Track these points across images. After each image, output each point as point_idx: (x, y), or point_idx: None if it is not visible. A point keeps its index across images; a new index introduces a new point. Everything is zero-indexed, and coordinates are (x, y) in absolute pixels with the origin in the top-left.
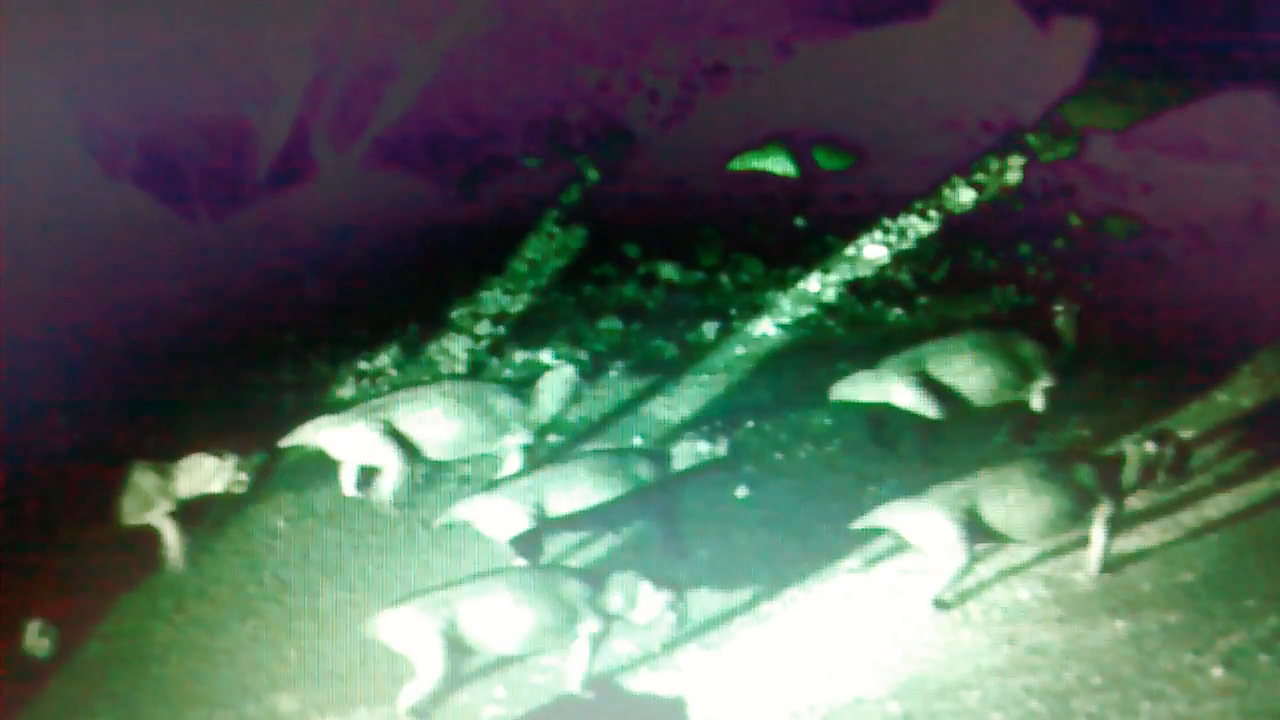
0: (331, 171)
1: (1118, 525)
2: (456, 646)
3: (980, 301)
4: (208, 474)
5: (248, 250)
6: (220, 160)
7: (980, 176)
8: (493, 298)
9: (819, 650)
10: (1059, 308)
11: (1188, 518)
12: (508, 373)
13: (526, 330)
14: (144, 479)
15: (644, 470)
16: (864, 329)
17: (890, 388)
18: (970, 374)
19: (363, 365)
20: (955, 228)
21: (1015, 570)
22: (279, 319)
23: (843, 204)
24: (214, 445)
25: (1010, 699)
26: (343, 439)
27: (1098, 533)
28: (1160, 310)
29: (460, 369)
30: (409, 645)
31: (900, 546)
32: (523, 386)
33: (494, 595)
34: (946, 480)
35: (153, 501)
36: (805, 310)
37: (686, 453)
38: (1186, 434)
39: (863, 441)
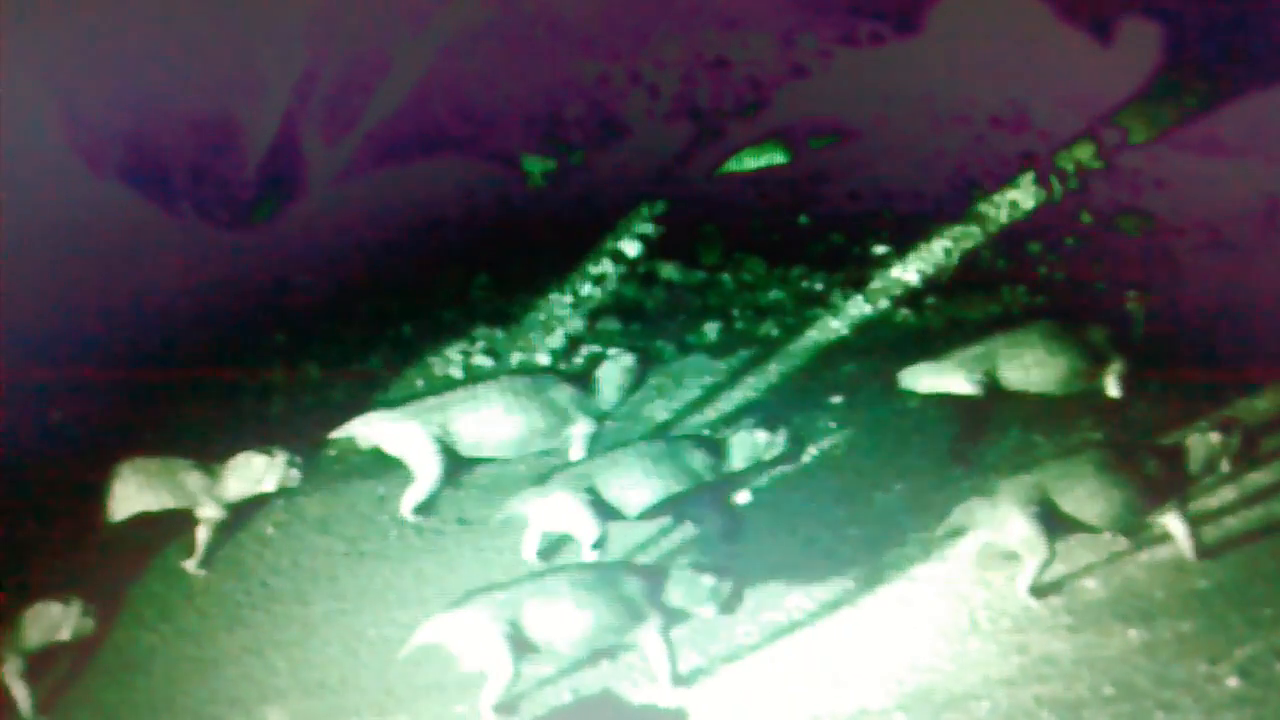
0: (322, 169)
1: (1185, 514)
2: (521, 646)
3: (990, 301)
4: (259, 473)
5: (236, 248)
6: (207, 156)
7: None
8: (487, 298)
9: (824, 659)
10: (1131, 293)
11: (1202, 524)
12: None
13: (522, 331)
14: (189, 478)
15: (698, 460)
16: (870, 330)
17: (958, 381)
18: (1043, 365)
19: (354, 366)
20: (963, 226)
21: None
22: (268, 319)
23: (848, 202)
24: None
25: (1020, 710)
26: (391, 435)
27: (1176, 526)
28: (1173, 309)
29: (455, 372)
30: (472, 648)
31: (900, 550)
32: (581, 377)
33: (555, 595)
34: (1015, 474)
35: (199, 502)
36: (809, 311)
37: (744, 442)
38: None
39: (867, 445)
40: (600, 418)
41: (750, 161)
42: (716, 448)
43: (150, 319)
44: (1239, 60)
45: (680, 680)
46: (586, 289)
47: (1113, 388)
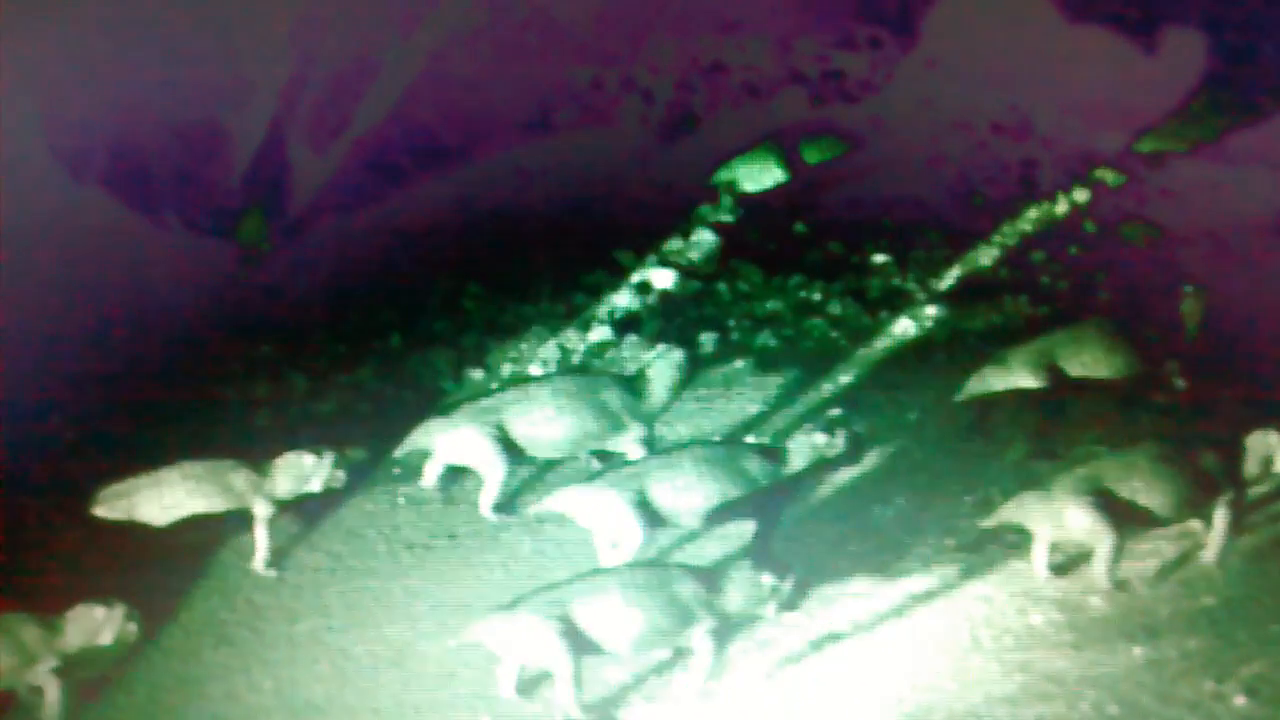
0: (309, 176)
1: (1239, 515)
2: (577, 643)
3: (991, 311)
4: (305, 473)
5: (223, 259)
6: (192, 164)
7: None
8: (478, 307)
9: (822, 678)
10: (1187, 289)
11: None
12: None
13: (513, 342)
14: (237, 479)
15: (753, 464)
16: (869, 340)
17: (1019, 379)
18: (1101, 362)
19: (342, 378)
20: (965, 234)
21: (1027, 594)
22: (254, 330)
23: (846, 209)
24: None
25: None
26: (452, 442)
27: (1220, 520)
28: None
29: (446, 383)
30: (529, 649)
31: (900, 566)
32: (631, 377)
33: (606, 595)
34: (1069, 469)
35: (249, 502)
36: (807, 321)
37: (802, 446)
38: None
39: (866, 463)
40: (652, 418)
41: (741, 170)
42: (775, 451)
43: (134, 330)
44: (1247, 66)
45: (707, 693)
46: (580, 299)
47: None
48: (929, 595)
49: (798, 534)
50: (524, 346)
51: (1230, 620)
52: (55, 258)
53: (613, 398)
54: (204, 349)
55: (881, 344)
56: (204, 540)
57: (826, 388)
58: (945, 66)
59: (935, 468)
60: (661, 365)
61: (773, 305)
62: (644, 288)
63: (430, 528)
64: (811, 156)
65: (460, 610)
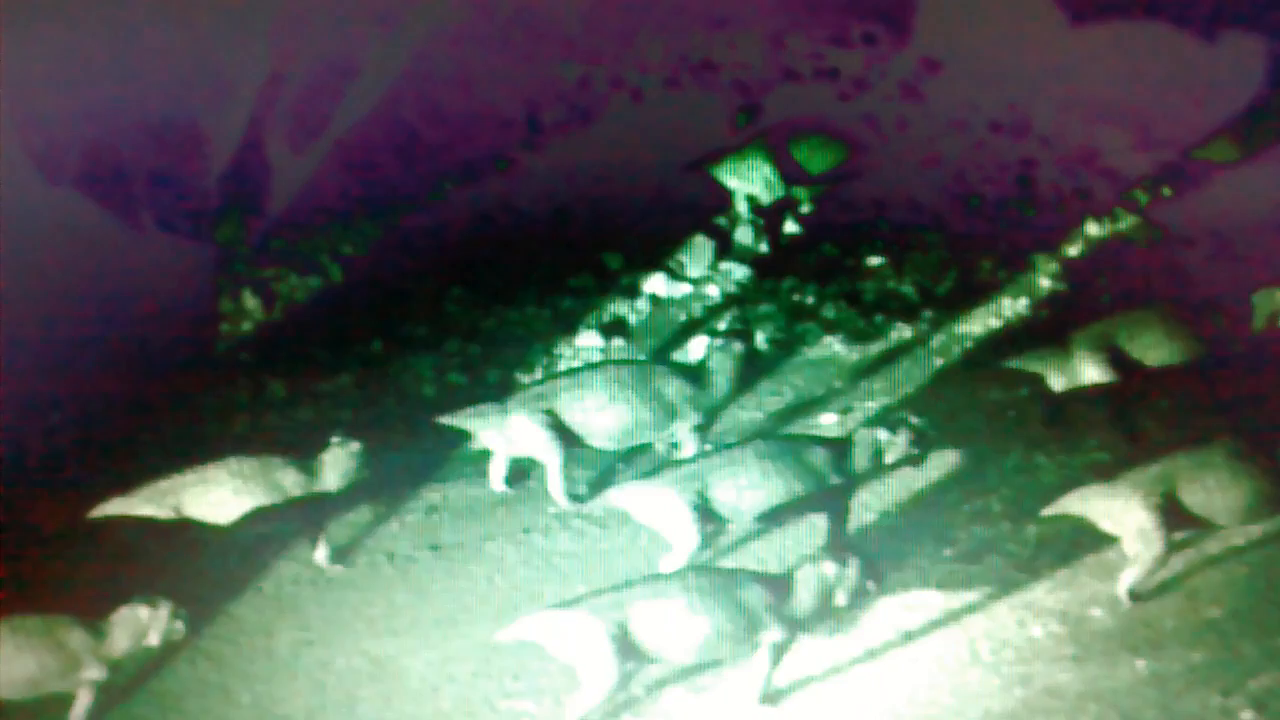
0: (289, 176)
1: None
2: (629, 653)
3: (990, 315)
4: (350, 466)
5: (197, 262)
6: (168, 164)
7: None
8: (462, 311)
9: (817, 691)
10: (1263, 290)
11: (1214, 548)
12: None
13: (498, 346)
14: (286, 476)
15: (818, 460)
16: (864, 344)
17: (1079, 362)
18: (1163, 345)
19: (321, 384)
20: (962, 235)
21: (1028, 606)
22: (232, 336)
23: (840, 210)
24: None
25: None
26: (502, 431)
27: None
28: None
29: (428, 389)
30: (574, 650)
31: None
32: (690, 367)
33: (668, 599)
34: (1143, 465)
35: (299, 499)
36: (799, 325)
37: (864, 441)
38: None
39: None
40: (711, 411)
41: (729, 168)
42: (839, 446)
43: (105, 335)
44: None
45: (769, 699)
46: (567, 302)
47: None
48: (925, 607)
49: (792, 546)
50: (508, 351)
51: (1237, 632)
52: (24, 260)
53: (670, 387)
54: (178, 355)
55: (876, 348)
56: (178, 551)
57: (817, 393)
58: (941, 63)
59: (932, 476)
60: (722, 356)
61: (765, 308)
62: (631, 291)
63: (413, 539)
64: (813, 166)
65: (443, 624)
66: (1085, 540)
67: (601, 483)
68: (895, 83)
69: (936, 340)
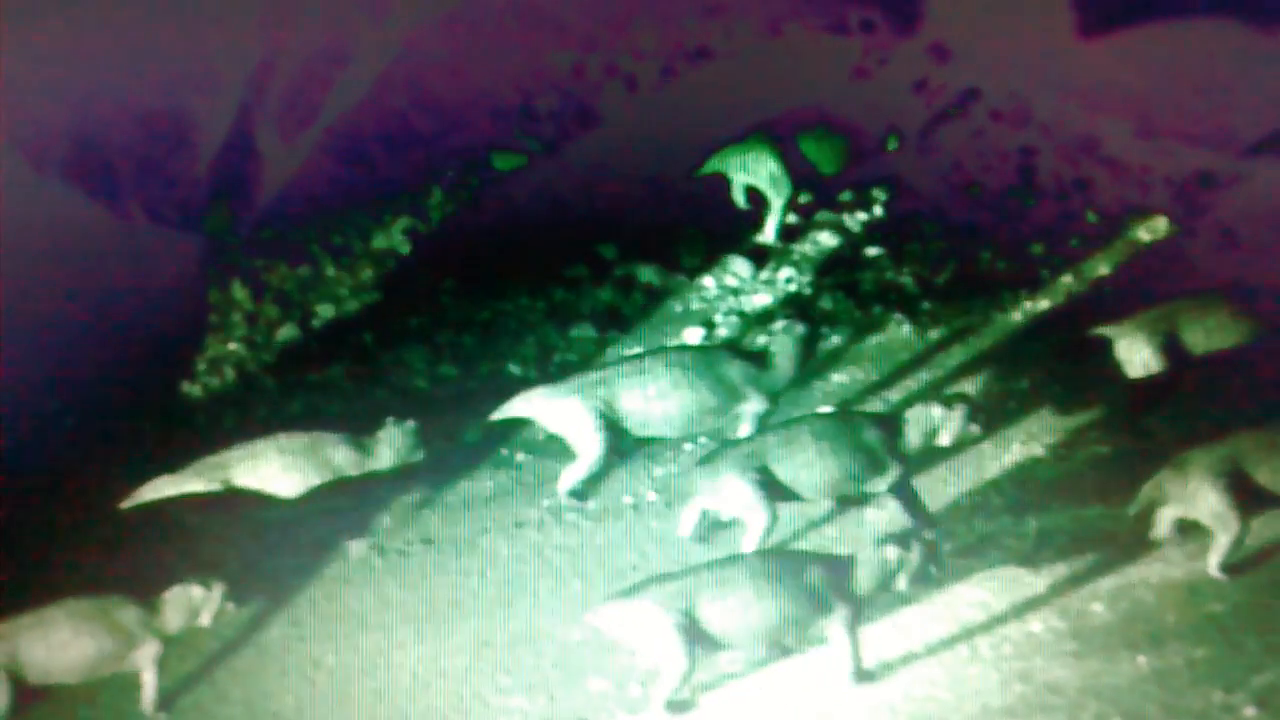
0: (279, 166)
1: None
2: (697, 640)
3: (989, 306)
4: (406, 445)
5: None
6: (156, 154)
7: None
8: (454, 303)
9: (814, 687)
10: None
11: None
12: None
13: (491, 338)
14: (337, 453)
15: (873, 437)
16: (862, 336)
17: (1136, 345)
18: (1226, 328)
19: (312, 377)
20: (961, 226)
21: (1028, 600)
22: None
23: (837, 199)
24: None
25: None
26: (553, 411)
27: None
28: None
29: (420, 381)
30: (642, 639)
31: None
32: (753, 351)
33: (733, 584)
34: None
35: (350, 477)
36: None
37: (919, 418)
38: None
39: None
40: (774, 394)
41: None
42: (892, 422)
43: (94, 326)
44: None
45: (864, 676)
46: (561, 294)
47: None
48: (925, 601)
49: (789, 541)
50: (501, 343)
51: (1239, 628)
52: (13, 253)
53: (732, 373)
54: (168, 346)
55: (873, 340)
56: (170, 544)
57: (816, 384)
58: (941, 51)
59: (931, 469)
60: (785, 339)
61: (761, 300)
62: (627, 282)
63: (405, 533)
64: (826, 168)
65: (435, 618)
66: (1085, 535)
67: (600, 481)
68: (898, 71)
69: (939, 331)
